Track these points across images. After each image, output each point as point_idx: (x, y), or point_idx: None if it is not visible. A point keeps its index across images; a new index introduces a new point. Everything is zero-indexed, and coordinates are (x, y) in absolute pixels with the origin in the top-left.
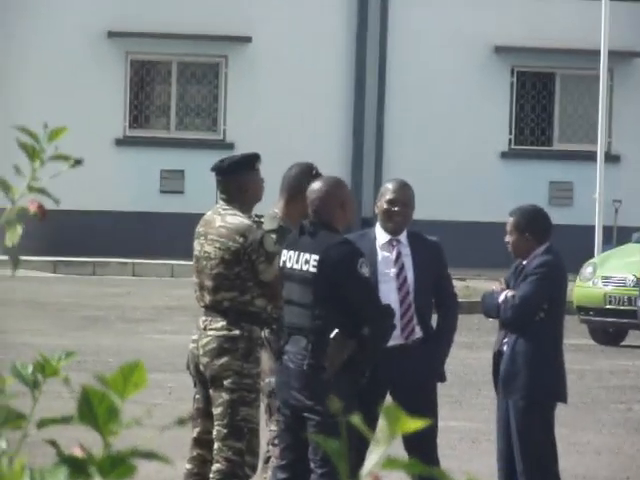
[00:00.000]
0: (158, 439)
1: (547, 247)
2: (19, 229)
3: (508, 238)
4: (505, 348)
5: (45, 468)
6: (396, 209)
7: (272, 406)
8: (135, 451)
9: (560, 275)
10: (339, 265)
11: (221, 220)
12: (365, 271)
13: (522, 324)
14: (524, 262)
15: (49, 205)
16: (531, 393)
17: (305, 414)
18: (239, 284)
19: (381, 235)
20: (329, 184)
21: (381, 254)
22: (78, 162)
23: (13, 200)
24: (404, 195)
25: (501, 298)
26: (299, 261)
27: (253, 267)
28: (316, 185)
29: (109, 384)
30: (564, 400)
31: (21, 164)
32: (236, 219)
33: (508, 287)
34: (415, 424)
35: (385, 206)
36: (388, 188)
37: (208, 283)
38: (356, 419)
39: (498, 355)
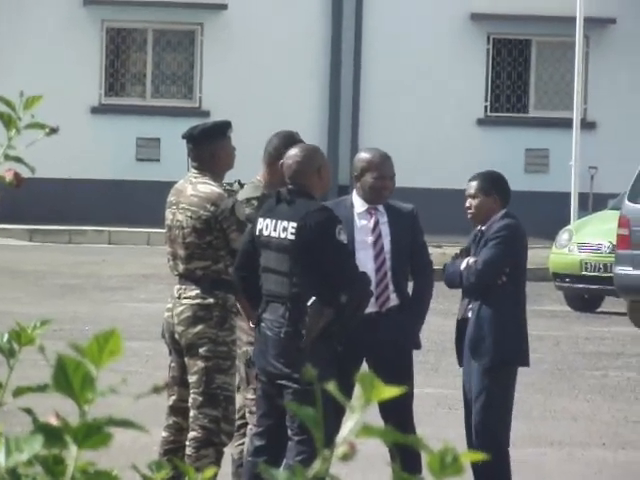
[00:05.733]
0: (134, 407)
1: (505, 212)
2: None
3: (470, 202)
4: (470, 315)
5: (21, 436)
6: (385, 184)
7: (250, 375)
8: (111, 419)
9: (521, 238)
10: (318, 232)
11: (192, 189)
12: (343, 238)
13: (485, 289)
14: (482, 228)
15: (25, 173)
16: (495, 356)
17: (282, 382)
18: (211, 253)
19: (358, 203)
20: (305, 150)
21: (359, 222)
22: (54, 130)
23: None
24: (390, 168)
25: (463, 265)
26: (277, 229)
27: (225, 235)
28: (292, 151)
29: (84, 352)
30: (526, 364)
31: None
32: (207, 187)
33: (467, 255)
34: (390, 391)
35: (374, 182)
36: (373, 162)
37: (181, 252)
38: (332, 386)
39: (462, 322)
